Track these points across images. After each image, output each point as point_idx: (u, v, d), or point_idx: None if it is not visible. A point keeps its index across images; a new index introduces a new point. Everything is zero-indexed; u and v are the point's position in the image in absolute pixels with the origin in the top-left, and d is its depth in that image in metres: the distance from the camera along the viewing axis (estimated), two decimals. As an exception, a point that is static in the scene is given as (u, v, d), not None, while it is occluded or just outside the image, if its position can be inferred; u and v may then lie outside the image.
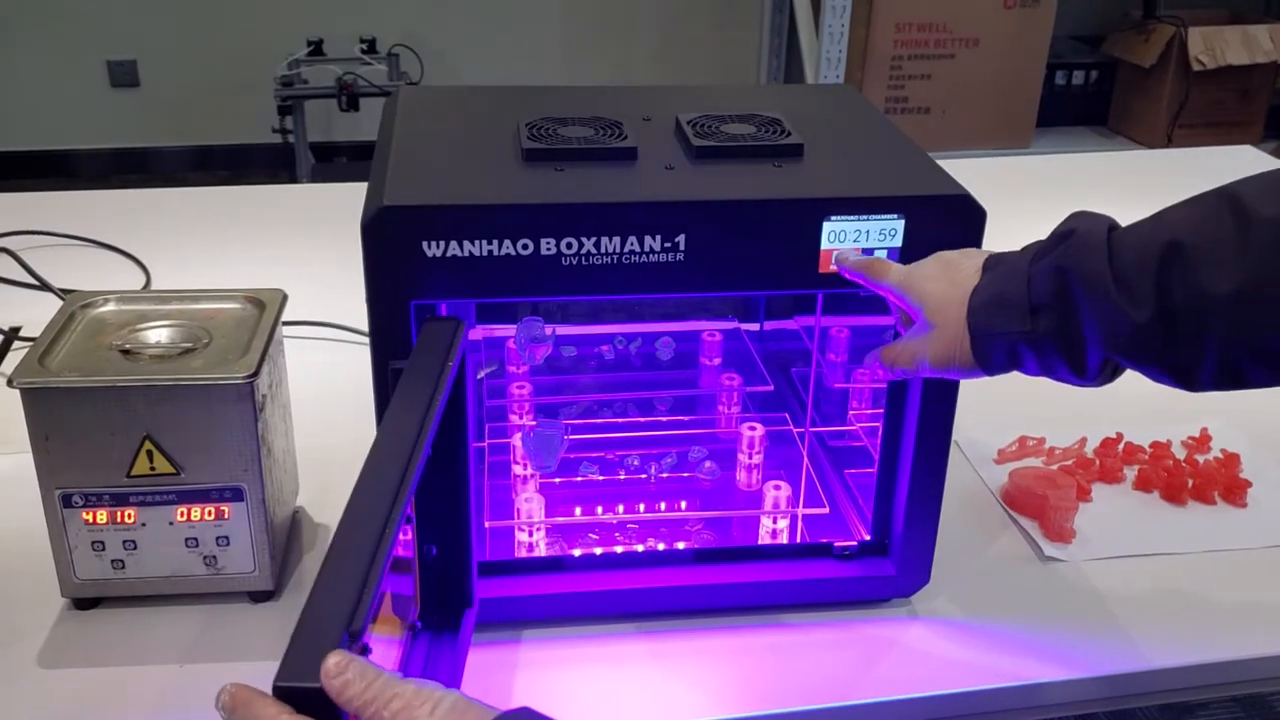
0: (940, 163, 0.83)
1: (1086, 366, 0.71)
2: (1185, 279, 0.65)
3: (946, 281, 0.75)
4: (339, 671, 0.48)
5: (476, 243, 0.73)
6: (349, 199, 0.95)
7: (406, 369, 0.71)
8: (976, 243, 0.78)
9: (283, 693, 0.48)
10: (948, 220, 0.77)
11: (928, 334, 0.75)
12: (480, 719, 0.49)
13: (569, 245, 0.74)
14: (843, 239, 0.76)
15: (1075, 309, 0.69)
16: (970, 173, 0.83)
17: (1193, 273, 0.65)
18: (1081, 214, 0.73)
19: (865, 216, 0.76)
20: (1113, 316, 0.68)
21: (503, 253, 0.73)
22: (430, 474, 0.77)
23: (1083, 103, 4.01)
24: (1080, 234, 0.70)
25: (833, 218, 0.75)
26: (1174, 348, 0.67)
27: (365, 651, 0.55)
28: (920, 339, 0.76)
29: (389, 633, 0.75)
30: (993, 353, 0.73)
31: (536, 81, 3.74)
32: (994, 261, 0.74)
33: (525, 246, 0.73)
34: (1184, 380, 0.69)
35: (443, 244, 0.72)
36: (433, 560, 0.80)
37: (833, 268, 0.78)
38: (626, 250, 0.74)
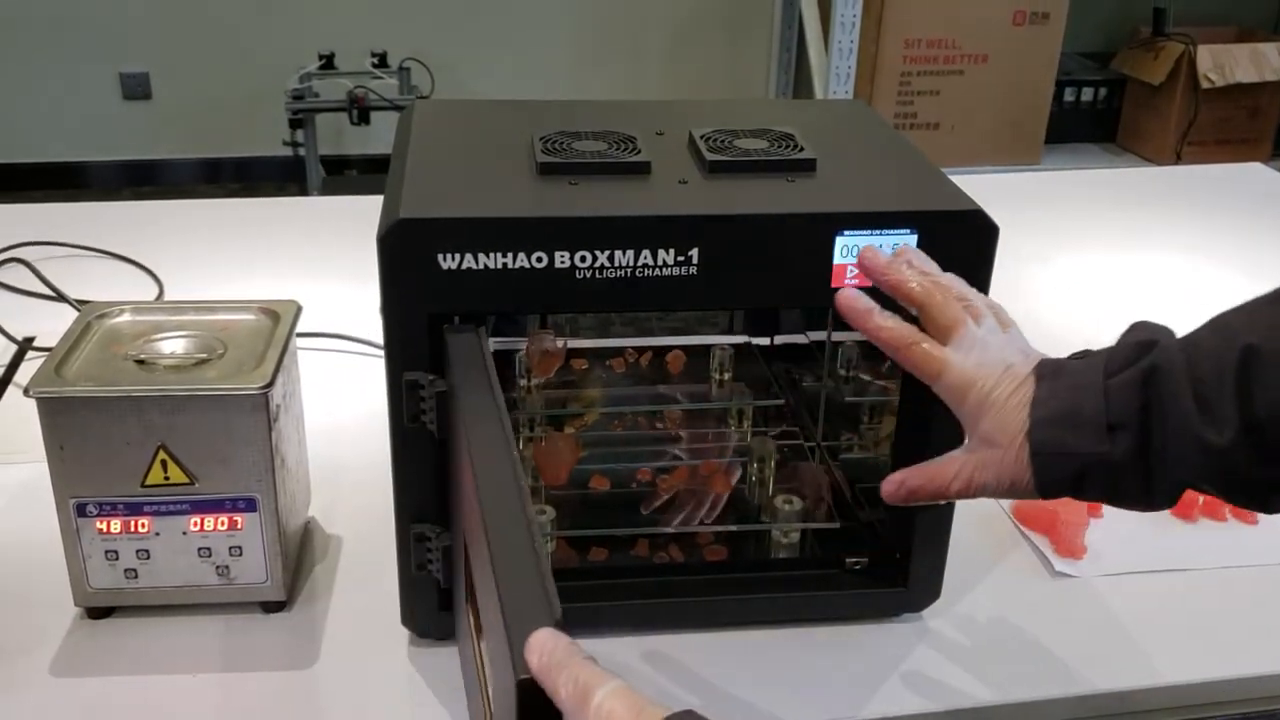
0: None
1: (1161, 494, 0.63)
2: (1267, 384, 0.59)
3: (1011, 390, 0.66)
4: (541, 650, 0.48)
5: (491, 255, 0.73)
6: (361, 211, 0.96)
7: (459, 383, 0.69)
8: (988, 260, 0.78)
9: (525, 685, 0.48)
10: (960, 235, 0.77)
11: (982, 453, 0.67)
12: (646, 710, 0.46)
13: (583, 258, 0.74)
14: (855, 253, 0.76)
15: (1160, 429, 0.62)
16: (979, 188, 0.83)
17: (1275, 374, 0.59)
18: (1145, 324, 0.67)
19: (878, 231, 0.76)
20: (1195, 438, 0.60)
21: (517, 265, 0.73)
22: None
23: (1092, 119, 4.02)
24: (1163, 346, 0.63)
25: (846, 232, 0.76)
26: (1265, 465, 0.60)
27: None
28: (975, 458, 0.68)
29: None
30: (1055, 473, 0.64)
31: (546, 96, 3.75)
32: (1051, 369, 0.66)
33: (539, 259, 0.74)
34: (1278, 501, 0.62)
35: (458, 256, 0.73)
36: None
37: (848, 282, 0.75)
38: (640, 264, 0.75)
